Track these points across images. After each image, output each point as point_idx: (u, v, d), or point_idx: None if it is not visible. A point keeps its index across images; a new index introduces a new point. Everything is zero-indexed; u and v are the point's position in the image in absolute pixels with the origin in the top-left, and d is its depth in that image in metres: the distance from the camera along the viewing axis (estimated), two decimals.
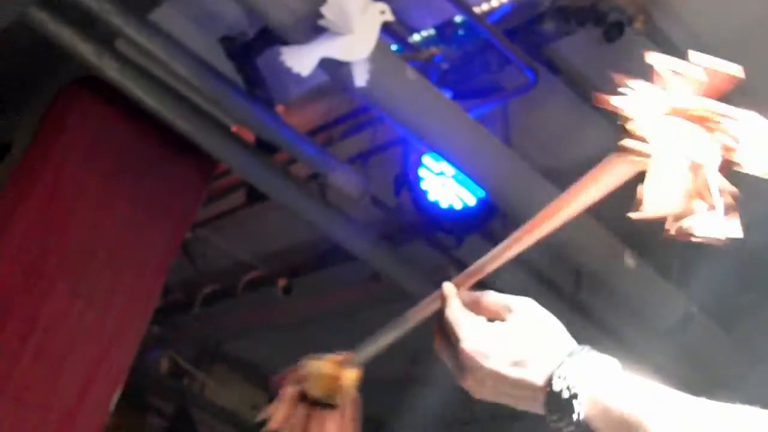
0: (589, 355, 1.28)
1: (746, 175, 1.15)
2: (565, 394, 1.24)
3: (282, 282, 5.34)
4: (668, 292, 4.51)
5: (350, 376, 1.53)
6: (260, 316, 5.86)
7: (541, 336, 1.32)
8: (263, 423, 1.53)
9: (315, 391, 1.52)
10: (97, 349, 4.15)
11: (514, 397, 1.32)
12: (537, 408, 1.29)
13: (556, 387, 1.25)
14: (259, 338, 6.47)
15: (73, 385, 4.08)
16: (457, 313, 1.38)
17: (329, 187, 4.54)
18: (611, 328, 4.79)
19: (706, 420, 1.17)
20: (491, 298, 1.39)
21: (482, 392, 1.35)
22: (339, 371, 1.52)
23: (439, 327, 1.40)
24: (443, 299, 1.41)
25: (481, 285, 1.43)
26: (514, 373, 1.29)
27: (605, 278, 4.41)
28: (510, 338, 1.32)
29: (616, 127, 1.18)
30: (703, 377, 4.64)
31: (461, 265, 4.69)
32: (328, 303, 5.49)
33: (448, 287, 1.42)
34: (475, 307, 1.39)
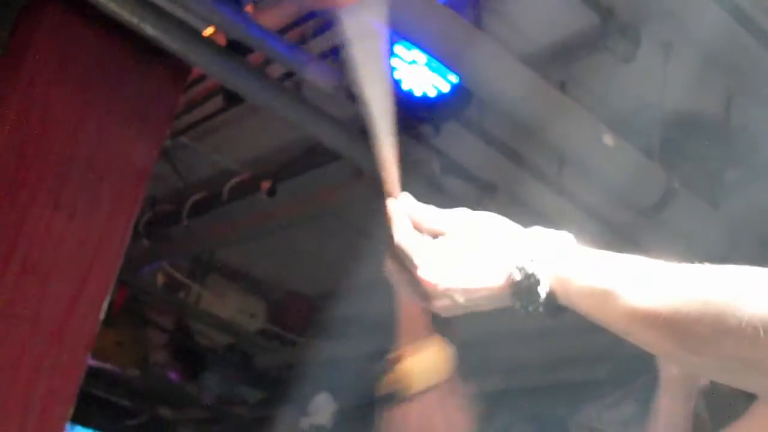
0: (541, 238, 1.29)
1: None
2: (525, 283, 1.26)
3: (265, 185, 5.32)
4: (649, 169, 4.49)
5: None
6: (248, 222, 5.86)
7: (488, 237, 1.32)
8: None
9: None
10: (83, 260, 4.15)
11: (482, 304, 1.33)
12: (507, 303, 1.30)
13: (517, 278, 1.26)
14: (250, 245, 6.49)
15: (61, 297, 4.09)
16: (408, 238, 1.35)
17: (304, 84, 4.52)
18: (594, 210, 4.79)
19: (673, 277, 1.17)
20: (428, 217, 1.36)
21: (452, 310, 1.35)
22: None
23: (391, 251, 1.37)
24: (390, 220, 1.37)
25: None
26: (475, 283, 1.30)
27: (585, 159, 4.39)
28: (460, 251, 1.32)
29: None
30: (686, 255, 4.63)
31: (442, 155, 4.69)
32: (315, 204, 5.47)
33: (391, 204, 1.38)
34: (417, 227, 1.36)
